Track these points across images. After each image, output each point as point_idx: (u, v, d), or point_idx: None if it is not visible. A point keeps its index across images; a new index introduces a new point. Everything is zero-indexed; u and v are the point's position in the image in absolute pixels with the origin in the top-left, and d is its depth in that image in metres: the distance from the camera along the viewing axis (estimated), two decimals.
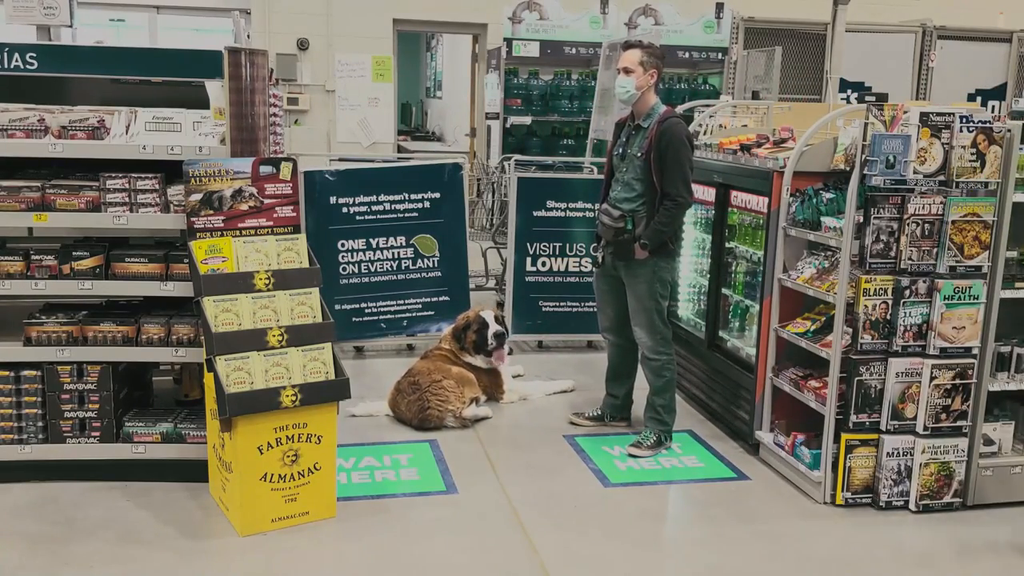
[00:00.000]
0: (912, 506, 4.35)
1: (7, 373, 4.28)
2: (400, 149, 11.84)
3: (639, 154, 4.80)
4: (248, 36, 10.83)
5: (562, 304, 6.86)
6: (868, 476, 4.38)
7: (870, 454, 4.36)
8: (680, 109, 6.48)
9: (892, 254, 4.23)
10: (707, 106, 6.88)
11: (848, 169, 4.36)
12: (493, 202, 8.63)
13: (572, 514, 4.31)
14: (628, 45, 4.92)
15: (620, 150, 4.97)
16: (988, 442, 4.42)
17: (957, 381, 4.27)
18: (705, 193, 5.53)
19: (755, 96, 8.41)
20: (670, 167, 4.71)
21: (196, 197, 4.10)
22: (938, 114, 4.16)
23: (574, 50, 10.10)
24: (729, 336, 5.53)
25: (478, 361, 5.69)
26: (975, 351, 4.28)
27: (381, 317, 6.60)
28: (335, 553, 3.90)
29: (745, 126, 6.50)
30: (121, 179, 4.21)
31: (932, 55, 9.97)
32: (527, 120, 10.22)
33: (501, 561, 3.87)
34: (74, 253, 4.26)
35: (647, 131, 4.80)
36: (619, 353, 5.31)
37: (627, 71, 4.80)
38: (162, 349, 4.34)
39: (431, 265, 6.64)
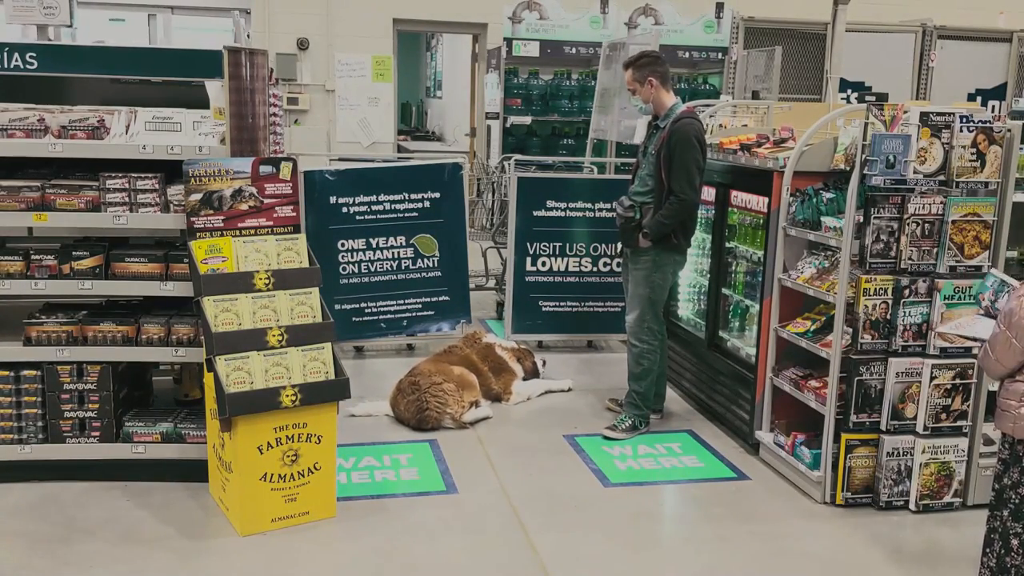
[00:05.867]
0: (912, 506, 4.35)
1: (7, 373, 4.28)
2: (400, 149, 11.82)
3: (653, 152, 5.04)
4: (248, 36, 10.84)
5: (562, 304, 6.86)
6: (868, 476, 4.38)
7: (870, 454, 4.36)
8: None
9: (892, 254, 4.23)
10: (707, 106, 6.88)
11: (848, 169, 4.36)
12: (493, 202, 8.61)
13: (572, 514, 4.31)
14: (624, 67, 5.25)
15: (643, 148, 5.25)
16: (988, 442, 4.41)
17: (957, 381, 4.27)
18: (705, 193, 5.52)
19: (755, 96, 8.39)
20: (676, 166, 4.90)
21: (196, 197, 4.10)
22: (938, 114, 4.16)
23: (574, 50, 10.08)
24: (729, 336, 5.53)
25: (516, 365, 5.90)
26: (975, 351, 4.27)
27: (381, 317, 6.59)
28: (335, 553, 3.90)
29: (745, 126, 6.49)
30: (121, 179, 4.21)
31: (932, 55, 9.96)
32: (527, 120, 10.20)
33: (501, 561, 3.87)
34: (74, 253, 4.26)
35: (663, 130, 5.01)
36: None
37: (631, 91, 5.19)
38: (162, 349, 4.34)
39: (431, 265, 6.64)
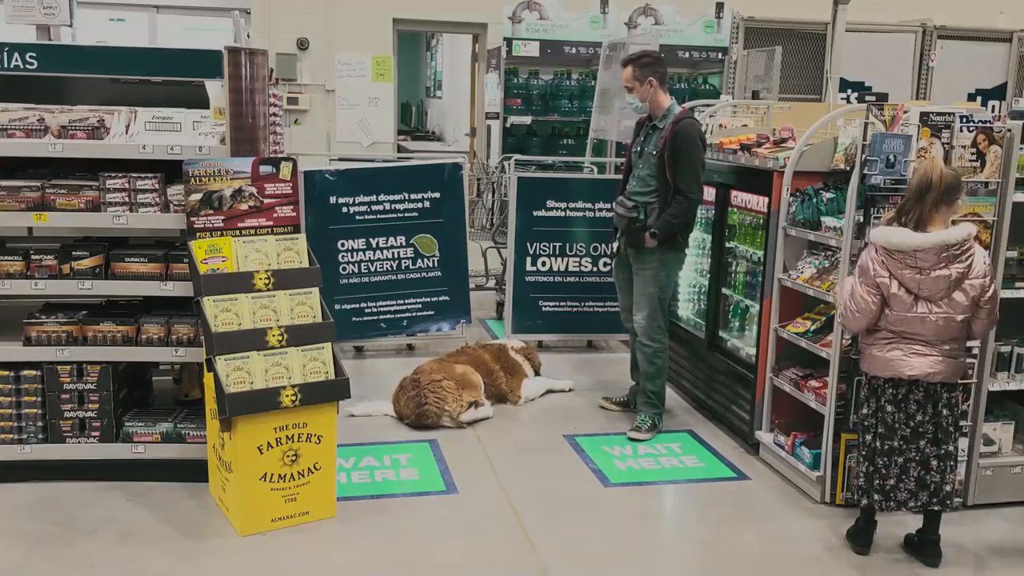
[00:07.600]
0: None
1: (7, 373, 4.28)
2: (400, 149, 11.82)
3: (654, 152, 5.04)
4: (248, 36, 10.83)
5: (562, 304, 6.86)
6: None
7: None
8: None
9: None
10: (707, 106, 6.88)
11: (848, 169, 4.36)
12: (493, 202, 8.60)
13: (572, 514, 4.30)
14: (623, 64, 5.22)
15: (638, 148, 5.23)
16: (988, 442, 4.41)
17: None
18: (705, 193, 5.51)
19: (755, 96, 8.39)
20: (683, 165, 4.93)
21: (196, 197, 4.10)
22: (938, 114, 4.16)
23: (574, 50, 10.07)
24: (729, 336, 5.53)
25: (526, 366, 5.93)
26: (975, 351, 4.28)
27: (381, 317, 6.59)
28: (335, 553, 3.90)
29: (745, 126, 6.49)
30: (121, 179, 4.21)
31: (932, 55, 9.97)
32: (527, 120, 10.20)
33: (501, 561, 3.87)
34: (74, 253, 4.26)
35: (663, 131, 5.01)
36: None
37: (628, 89, 5.15)
38: (162, 349, 4.34)
39: (431, 265, 6.64)
